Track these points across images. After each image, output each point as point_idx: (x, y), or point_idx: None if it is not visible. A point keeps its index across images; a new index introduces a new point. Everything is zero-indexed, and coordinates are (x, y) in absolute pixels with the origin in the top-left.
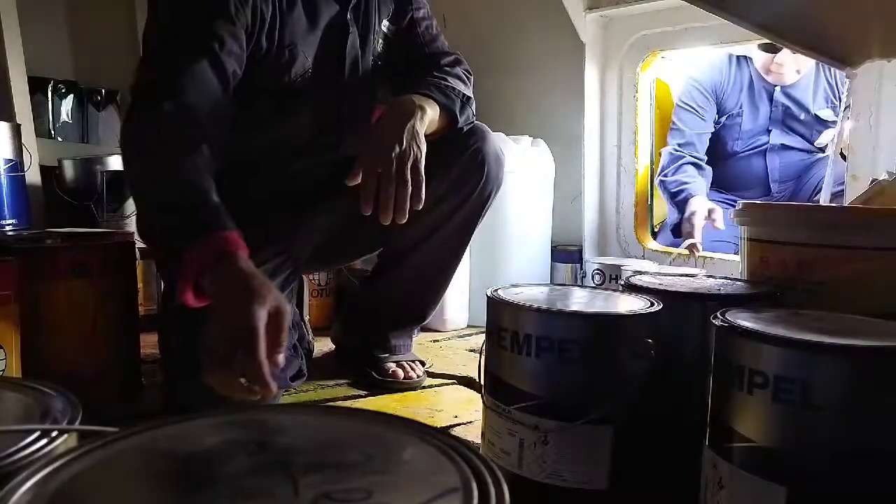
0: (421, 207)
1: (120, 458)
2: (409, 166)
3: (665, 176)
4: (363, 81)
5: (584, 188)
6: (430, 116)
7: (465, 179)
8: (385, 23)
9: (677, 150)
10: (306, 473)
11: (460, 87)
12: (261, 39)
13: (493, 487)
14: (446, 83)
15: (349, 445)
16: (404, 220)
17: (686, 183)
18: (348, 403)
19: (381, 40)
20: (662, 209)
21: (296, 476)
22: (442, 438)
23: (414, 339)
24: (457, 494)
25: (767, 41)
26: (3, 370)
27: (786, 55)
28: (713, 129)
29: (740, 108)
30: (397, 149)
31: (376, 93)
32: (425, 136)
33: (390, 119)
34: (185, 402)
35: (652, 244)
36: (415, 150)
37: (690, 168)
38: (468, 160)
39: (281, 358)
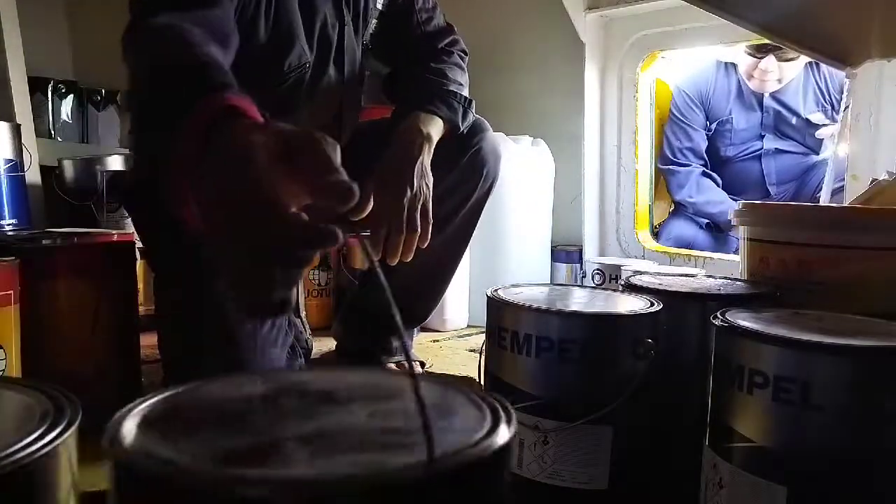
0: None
1: (186, 403)
2: (418, 212)
3: (690, 197)
4: (359, 73)
5: (584, 188)
6: (436, 139)
7: (465, 180)
8: None
9: (684, 162)
10: (354, 401)
11: (459, 80)
12: (258, 17)
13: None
14: (447, 86)
15: (394, 392)
16: (409, 259)
17: (721, 202)
18: None
19: (374, 20)
20: (662, 209)
21: (345, 403)
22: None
23: (414, 339)
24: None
25: (756, 44)
26: (3, 370)
27: (771, 63)
28: (706, 135)
29: (730, 113)
30: (408, 192)
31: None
32: None
33: (399, 160)
34: None
35: (652, 244)
36: (424, 191)
37: (708, 181)
38: (468, 161)
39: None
